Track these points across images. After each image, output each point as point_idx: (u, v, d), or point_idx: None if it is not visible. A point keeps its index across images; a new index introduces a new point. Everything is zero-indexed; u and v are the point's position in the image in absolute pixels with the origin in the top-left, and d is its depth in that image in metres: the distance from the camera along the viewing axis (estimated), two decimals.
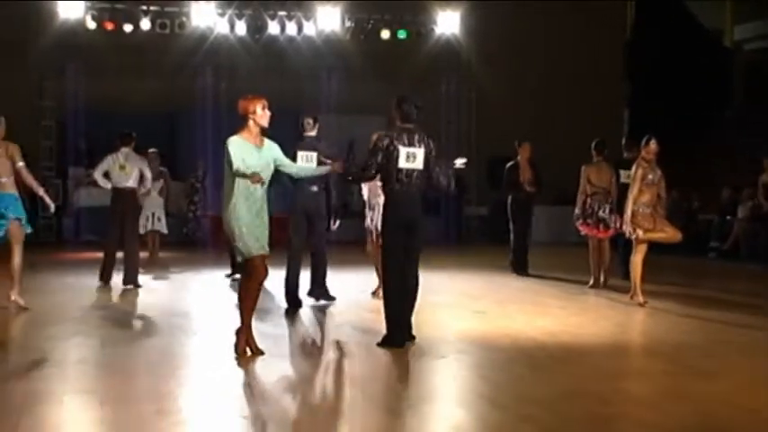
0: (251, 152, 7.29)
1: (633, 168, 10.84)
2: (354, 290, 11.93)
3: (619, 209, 11.79)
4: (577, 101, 22.00)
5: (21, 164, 9.64)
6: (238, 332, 7.52)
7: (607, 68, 22.56)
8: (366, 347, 8.14)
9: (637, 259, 10.76)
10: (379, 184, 11.97)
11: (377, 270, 10.74)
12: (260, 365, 7.19)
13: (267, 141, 7.49)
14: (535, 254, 14.47)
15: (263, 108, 7.36)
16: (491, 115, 21.35)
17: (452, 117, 22.56)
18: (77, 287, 12.18)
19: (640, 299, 10.69)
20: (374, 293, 11.27)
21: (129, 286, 12.08)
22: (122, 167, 12.22)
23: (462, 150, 18.65)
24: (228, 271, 13.22)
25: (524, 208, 14.17)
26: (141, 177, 12.33)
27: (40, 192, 9.90)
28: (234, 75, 21.16)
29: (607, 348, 8.23)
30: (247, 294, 7.50)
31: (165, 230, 15.64)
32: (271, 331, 8.55)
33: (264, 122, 7.37)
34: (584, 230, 12.59)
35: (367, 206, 11.95)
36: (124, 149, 12.27)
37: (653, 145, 10.73)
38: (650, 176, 10.69)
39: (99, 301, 10.99)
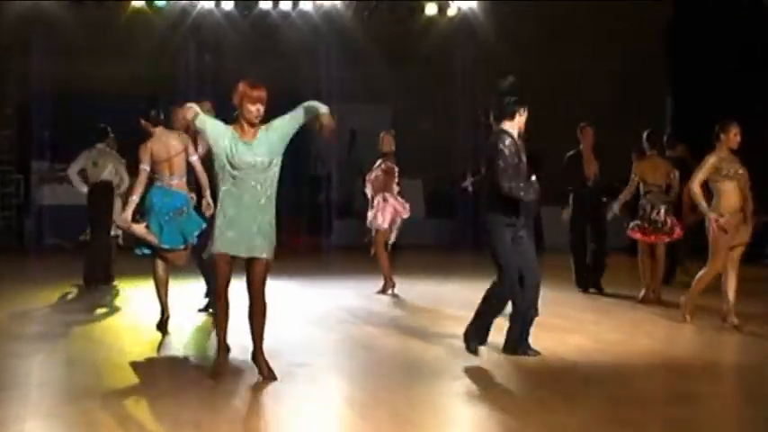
0: (238, 145, 7.22)
1: (707, 157, 10.02)
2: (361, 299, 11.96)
3: (677, 211, 11.61)
4: (613, 86, 21.85)
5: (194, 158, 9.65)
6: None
7: (646, 48, 22.45)
8: (367, 365, 8.11)
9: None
10: (372, 177, 12.41)
11: (383, 269, 12.67)
12: (262, 388, 7.16)
13: (262, 131, 7.31)
14: (564, 261, 14.39)
15: (255, 102, 7.22)
16: None
17: (468, 103, 22.33)
18: (41, 297, 12.16)
19: (734, 320, 10.12)
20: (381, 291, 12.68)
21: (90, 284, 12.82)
22: (95, 164, 12.91)
23: (480, 138, 18.47)
24: None
25: (593, 208, 13.10)
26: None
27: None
28: (220, 55, 21.04)
29: (647, 369, 8.19)
30: (217, 303, 7.51)
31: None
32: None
33: (255, 120, 7.24)
34: (637, 236, 12.10)
35: (370, 204, 12.32)
36: (99, 145, 13.00)
37: (736, 132, 9.90)
38: (729, 170, 9.91)
39: (67, 314, 10.95)
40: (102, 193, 12.82)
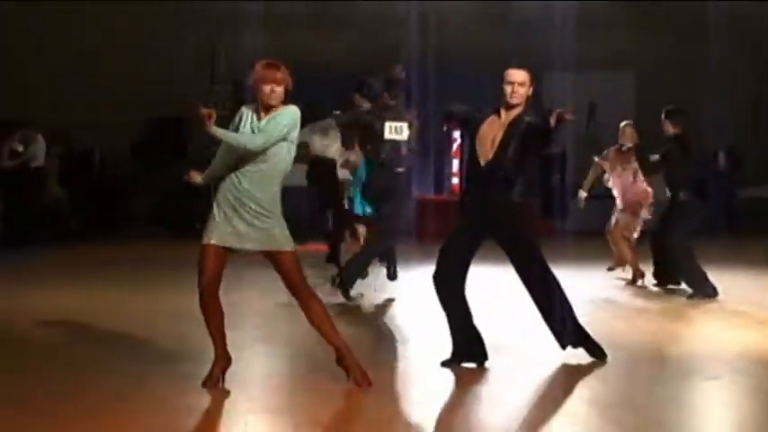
0: (248, 127, 7.36)
1: None
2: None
3: None
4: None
5: None
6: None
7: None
8: (613, 364, 8.12)
9: None
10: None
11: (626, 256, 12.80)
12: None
13: (273, 113, 7.36)
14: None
15: (271, 82, 7.27)
16: None
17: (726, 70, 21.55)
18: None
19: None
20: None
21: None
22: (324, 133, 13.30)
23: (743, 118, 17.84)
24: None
25: None
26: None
27: None
28: (445, 26, 21.04)
29: None
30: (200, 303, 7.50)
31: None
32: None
33: (270, 101, 7.29)
34: None
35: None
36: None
37: None
38: None
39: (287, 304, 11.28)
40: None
